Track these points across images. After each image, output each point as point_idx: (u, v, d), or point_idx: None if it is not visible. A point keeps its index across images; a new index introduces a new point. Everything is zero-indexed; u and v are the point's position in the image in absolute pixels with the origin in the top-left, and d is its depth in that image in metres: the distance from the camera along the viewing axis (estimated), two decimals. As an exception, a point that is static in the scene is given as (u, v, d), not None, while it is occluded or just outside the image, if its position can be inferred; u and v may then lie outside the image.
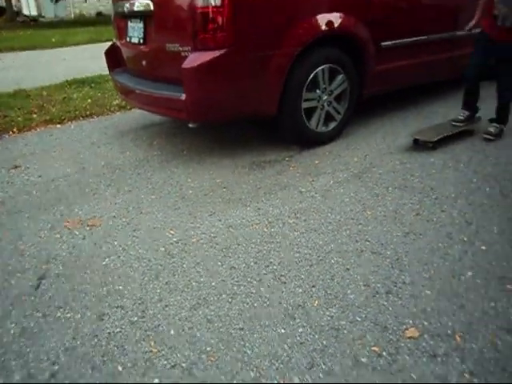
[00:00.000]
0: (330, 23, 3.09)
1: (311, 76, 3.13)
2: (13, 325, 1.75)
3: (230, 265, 2.05)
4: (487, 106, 3.41)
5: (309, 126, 3.26)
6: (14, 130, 4.06)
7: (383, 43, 3.48)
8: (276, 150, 3.33)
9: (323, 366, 1.52)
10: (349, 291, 1.86)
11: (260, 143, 3.46)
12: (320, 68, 3.16)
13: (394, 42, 3.56)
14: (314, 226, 2.34)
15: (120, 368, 1.54)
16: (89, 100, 5.03)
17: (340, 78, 3.30)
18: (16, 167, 3.21)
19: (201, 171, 3.04)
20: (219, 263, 2.07)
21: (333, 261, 2.05)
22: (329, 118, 3.37)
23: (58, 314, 1.80)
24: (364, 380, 1.46)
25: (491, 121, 3.36)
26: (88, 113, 4.58)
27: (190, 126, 3.03)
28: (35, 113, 4.54)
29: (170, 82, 3.06)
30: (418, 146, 3.21)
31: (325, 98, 3.27)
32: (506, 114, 3.30)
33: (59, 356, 1.60)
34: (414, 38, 3.73)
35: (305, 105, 3.18)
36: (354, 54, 3.34)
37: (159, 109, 3.26)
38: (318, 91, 3.22)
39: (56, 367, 1.56)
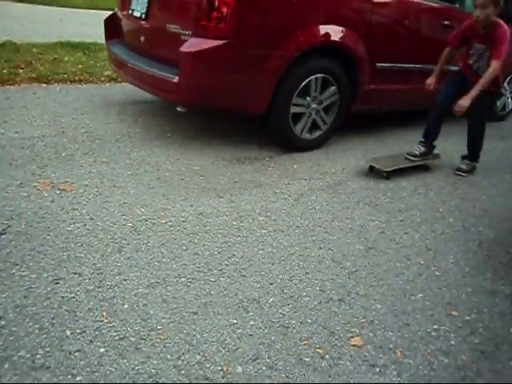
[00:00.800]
0: (330, 35, 3.15)
1: (304, 82, 3.19)
2: (-35, 274, 1.73)
3: (194, 250, 2.08)
4: (457, 141, 3.55)
5: (294, 130, 3.31)
6: (-3, 81, 3.95)
7: (378, 64, 3.57)
8: (258, 148, 3.37)
9: (267, 360, 1.57)
10: (304, 294, 1.91)
11: (244, 139, 3.49)
12: (314, 76, 3.22)
13: (389, 64, 3.66)
14: (281, 227, 2.39)
15: (68, 332, 1.55)
16: (79, 65, 4.94)
17: (332, 89, 3.37)
18: (-7, 119, 3.14)
19: (181, 156, 3.05)
20: (184, 247, 2.09)
21: (294, 263, 2.10)
22: (314, 126, 3.43)
23: (13, 271, 1.78)
24: (303, 378, 1.52)
25: (463, 158, 3.49)
26: (77, 78, 4.50)
27: (178, 109, 3.03)
28: (22, 68, 4.43)
29: (165, 63, 3.06)
30: (374, 172, 3.17)
31: (314, 106, 3.33)
32: (476, 151, 3.43)
33: (7, 312, 1.59)
34: (409, 65, 3.84)
35: (293, 109, 3.24)
36: (349, 69, 3.41)
37: (150, 87, 3.25)
38: (308, 98, 3.28)
39: (2, 322, 1.55)
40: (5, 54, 4.74)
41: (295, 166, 3.16)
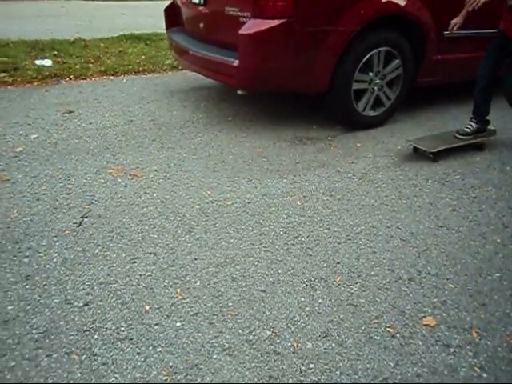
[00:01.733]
0: (392, 4, 3.00)
1: (366, 57, 3.08)
2: (55, 254, 1.89)
3: (260, 231, 2.12)
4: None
5: (356, 107, 3.22)
6: (71, 76, 4.22)
7: (446, 32, 3.35)
8: (320, 128, 3.33)
9: (337, 337, 1.58)
10: (372, 273, 1.89)
11: (305, 119, 3.46)
12: (376, 50, 3.10)
13: (457, 31, 3.42)
14: (347, 206, 2.36)
15: (147, 307, 1.65)
16: (143, 56, 5.13)
17: (396, 62, 3.23)
18: (70, 112, 3.36)
19: (243, 139, 3.09)
20: (250, 228, 2.14)
21: (361, 242, 2.08)
22: (378, 102, 3.32)
23: (96, 251, 1.93)
24: (374, 356, 1.51)
25: None
26: (141, 69, 4.69)
27: (239, 92, 3.06)
28: (92, 63, 4.69)
29: (225, 47, 3.09)
30: (418, 154, 2.92)
31: (377, 81, 3.21)
32: None
33: (94, 288, 1.73)
34: (478, 31, 3.56)
35: (355, 86, 3.14)
36: (414, 40, 3.24)
37: (210, 72, 3.31)
38: (370, 73, 3.16)
39: (90, 297, 1.69)
40: (76, 50, 5.04)
41: (358, 145, 3.08)
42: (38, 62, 4.40)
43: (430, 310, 1.71)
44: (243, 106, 3.69)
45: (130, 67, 4.67)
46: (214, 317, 1.63)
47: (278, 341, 1.55)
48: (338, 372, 1.46)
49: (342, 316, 1.66)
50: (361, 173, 2.70)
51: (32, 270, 1.80)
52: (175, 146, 2.94)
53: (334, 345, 1.55)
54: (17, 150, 2.75)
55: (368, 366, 1.48)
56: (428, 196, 2.49)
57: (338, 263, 1.93)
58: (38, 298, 1.66)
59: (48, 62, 4.44)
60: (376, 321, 1.65)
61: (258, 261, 1.92)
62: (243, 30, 2.80)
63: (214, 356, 1.48)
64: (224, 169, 2.68)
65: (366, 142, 3.14)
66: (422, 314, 1.69)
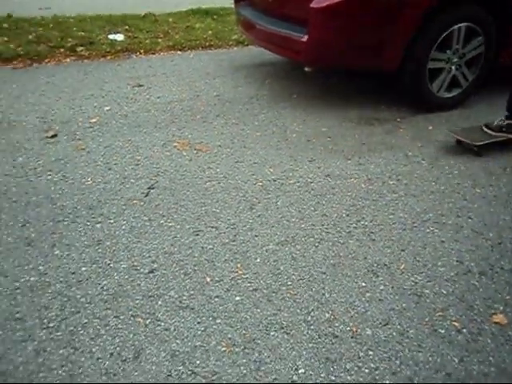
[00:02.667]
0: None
1: (445, 34, 2.87)
2: (124, 222, 1.98)
3: (322, 212, 2.08)
4: None
5: (430, 88, 3.03)
6: (141, 51, 4.34)
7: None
8: (388, 108, 3.18)
9: (398, 326, 1.53)
10: (439, 263, 1.80)
11: (372, 99, 3.32)
12: (456, 26, 2.87)
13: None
14: (414, 191, 2.25)
15: (208, 279, 1.69)
16: (209, 31, 5.14)
17: (478, 40, 2.98)
18: (139, 86, 3.47)
19: (307, 117, 3.03)
20: (312, 208, 2.11)
21: (428, 230, 1.98)
22: (454, 83, 3.10)
23: (161, 222, 1.99)
24: (437, 350, 1.45)
25: None
26: (207, 44, 4.71)
27: (306, 69, 2.99)
28: (161, 37, 4.78)
29: (293, 22, 3.00)
30: (462, 148, 2.64)
31: (455, 60, 2.99)
32: None
33: (158, 257, 1.80)
34: None
35: (431, 65, 2.95)
36: (499, 16, 2.96)
37: (277, 48, 3.25)
38: (448, 52, 2.95)
39: (155, 265, 1.76)
40: (146, 25, 5.15)
41: (430, 128, 2.91)
42: (111, 37, 4.55)
43: (501, 308, 1.60)
44: (308, 83, 3.61)
45: (197, 42, 4.70)
46: (273, 294, 1.64)
47: (336, 324, 1.53)
48: (397, 361, 1.42)
49: (404, 305, 1.61)
50: (431, 157, 2.56)
51: (103, 235, 1.90)
52: (239, 122, 2.94)
53: (394, 333, 1.50)
54: (92, 120, 2.89)
55: (430, 358, 1.43)
56: (505, 186, 2.31)
57: (403, 250, 1.86)
58: (108, 262, 1.76)
59: (120, 37, 4.58)
60: (441, 313, 1.58)
61: (318, 242, 1.90)
62: (314, 3, 2.70)
63: (272, 333, 1.49)
64: (287, 147, 2.65)
65: (438, 125, 2.95)
66: (493, 311, 1.59)
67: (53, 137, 2.66)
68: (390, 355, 1.43)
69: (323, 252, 1.84)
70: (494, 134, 2.62)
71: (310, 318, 1.55)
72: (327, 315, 1.56)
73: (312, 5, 2.71)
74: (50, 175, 2.30)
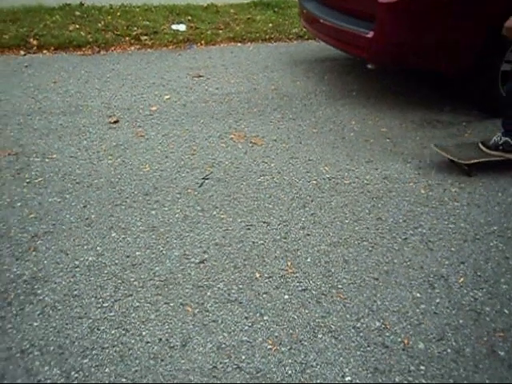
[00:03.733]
0: None
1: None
2: (178, 210, 2.02)
3: (377, 215, 2.01)
4: None
5: (502, 92, 2.84)
6: (202, 42, 4.39)
7: None
8: (453, 111, 3.01)
9: (453, 343, 1.45)
10: (502, 280, 1.69)
11: (436, 100, 3.16)
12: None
13: None
14: (478, 201, 2.12)
15: (257, 275, 1.69)
16: (270, 24, 5.11)
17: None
18: (199, 76, 3.51)
19: (366, 116, 2.94)
20: (367, 211, 2.04)
21: (491, 243, 1.86)
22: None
23: (214, 213, 2.01)
24: (495, 372, 1.36)
25: None
26: (267, 37, 4.68)
27: (369, 66, 2.89)
28: (221, 29, 4.81)
29: (359, 17, 2.91)
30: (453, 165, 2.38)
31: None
32: None
33: (209, 248, 1.81)
34: None
35: (505, 67, 2.76)
36: None
37: (340, 43, 3.17)
38: (525, 53, 2.74)
39: (206, 256, 1.77)
40: (208, 16, 5.20)
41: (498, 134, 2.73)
42: (173, 27, 4.64)
43: None
44: (369, 81, 3.50)
45: (257, 35, 4.69)
46: (322, 296, 1.60)
47: (387, 334, 1.47)
48: (451, 380, 1.34)
49: (461, 321, 1.52)
50: (499, 166, 2.40)
51: (158, 222, 1.94)
52: (296, 118, 2.91)
53: (449, 350, 1.43)
54: (152, 108, 2.96)
55: (487, 381, 1.34)
56: None
57: (463, 263, 1.76)
58: (161, 249, 1.80)
59: (182, 27, 4.66)
60: (502, 334, 1.48)
61: (372, 246, 1.84)
62: (383, -1, 2.60)
63: (319, 336, 1.46)
64: (344, 146, 2.58)
65: (509, 131, 2.76)
66: (561, 337, 1.47)
67: (115, 122, 2.76)
68: (444, 373, 1.36)
69: (377, 257, 1.78)
70: (490, 152, 2.32)
71: (359, 325, 1.50)
72: (378, 323, 1.51)
73: (380, 0, 2.60)
74: (110, 159, 2.38)
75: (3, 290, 1.59)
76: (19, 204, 2.02)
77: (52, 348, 1.40)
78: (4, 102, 2.95)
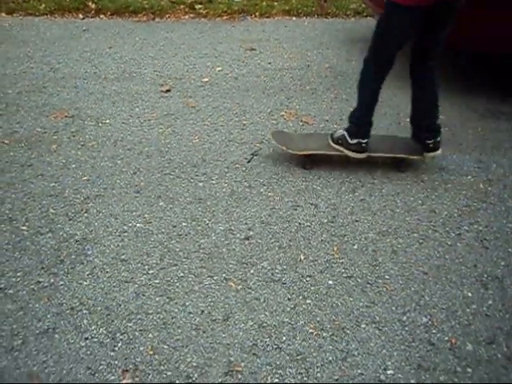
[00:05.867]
0: None
1: None
2: (225, 185, 2.01)
3: (430, 207, 1.93)
4: None
5: None
6: (256, 14, 4.28)
7: None
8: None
9: (504, 349, 1.38)
10: None
11: (500, 89, 2.95)
12: None
13: None
14: (542, 201, 1.99)
15: (302, 257, 1.66)
16: (327, -2, 4.92)
17: None
18: (252, 49, 3.44)
19: (424, 101, 2.79)
20: (420, 201, 1.96)
21: (554, 248, 1.74)
22: None
23: (261, 190, 1.99)
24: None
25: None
26: (324, 12, 4.51)
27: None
28: (276, 1, 4.67)
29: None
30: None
31: None
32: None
33: (255, 225, 1.80)
34: None
35: None
36: None
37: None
38: None
39: (251, 233, 1.76)
40: (264, -14, 5.06)
41: None
42: (229, -3, 4.55)
43: None
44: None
45: (314, 9, 4.52)
46: (368, 285, 1.56)
47: (434, 331, 1.42)
48: (499, 386, 1.28)
49: (515, 326, 1.44)
50: None
51: (204, 195, 1.94)
52: (350, 98, 2.80)
53: (499, 355, 1.36)
54: (203, 80, 2.94)
55: (539, 392, 1.27)
56: None
57: (520, 266, 1.66)
58: (207, 222, 1.80)
59: (238, -3, 4.56)
60: (559, 344, 1.39)
61: (423, 239, 1.76)
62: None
63: (363, 325, 1.43)
64: (399, 131, 2.47)
65: None
66: None
67: (167, 91, 2.76)
68: (492, 377, 1.30)
69: (427, 250, 1.71)
70: (331, 144, 2.10)
71: (405, 319, 1.45)
72: (424, 319, 1.46)
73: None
74: (161, 128, 2.39)
75: (57, 247, 1.64)
76: (73, 166, 2.07)
77: (99, 308, 1.44)
78: (63, 65, 3.01)
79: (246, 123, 2.47)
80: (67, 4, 3.95)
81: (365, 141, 2.02)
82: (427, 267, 1.64)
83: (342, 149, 2.06)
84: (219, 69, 3.09)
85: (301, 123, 2.51)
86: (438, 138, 2.06)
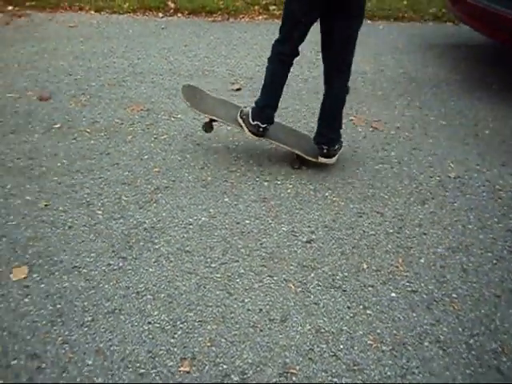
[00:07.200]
0: None
1: None
2: (290, 186, 2.00)
3: (507, 226, 1.81)
4: None
5: None
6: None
7: None
8: None
9: None
10: None
11: None
12: None
13: None
14: None
15: (365, 265, 1.62)
16: (405, 1, 4.75)
17: None
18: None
19: (506, 113, 2.62)
20: (495, 219, 1.84)
21: None
22: None
23: (326, 194, 1.96)
24: None
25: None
26: (400, 15, 4.37)
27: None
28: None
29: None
30: None
31: None
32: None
33: (318, 228, 1.78)
34: None
35: None
36: None
37: (488, 28, 2.84)
38: None
39: (313, 236, 1.74)
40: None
41: None
42: None
43: None
44: (515, 74, 3.10)
45: (390, 12, 4.40)
46: (434, 302, 1.49)
47: (504, 359, 1.33)
48: None
49: None
50: None
51: (269, 194, 1.95)
52: (423, 106, 2.70)
53: None
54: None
55: None
56: None
57: None
58: (270, 222, 1.81)
59: None
60: None
61: (497, 259, 1.65)
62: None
63: (426, 343, 1.36)
64: (476, 143, 2.34)
65: None
66: None
67: (237, 90, 2.81)
68: None
69: (501, 272, 1.60)
70: (238, 118, 2.08)
71: (472, 342, 1.37)
72: (494, 345, 1.37)
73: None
74: (229, 126, 2.43)
75: (127, 233, 1.73)
76: (146, 157, 2.17)
77: (162, 295, 1.49)
78: (141, 61, 3.16)
79: (314, 126, 2.43)
80: (149, 3, 4.14)
81: (264, 125, 2.02)
82: (500, 290, 1.54)
83: (243, 125, 2.06)
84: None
85: (371, 129, 2.45)
86: (335, 147, 2.03)
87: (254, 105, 2.07)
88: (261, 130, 2.02)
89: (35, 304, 1.45)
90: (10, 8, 4.04)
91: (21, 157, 2.13)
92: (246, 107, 2.14)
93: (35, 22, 3.76)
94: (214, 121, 2.14)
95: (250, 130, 2.04)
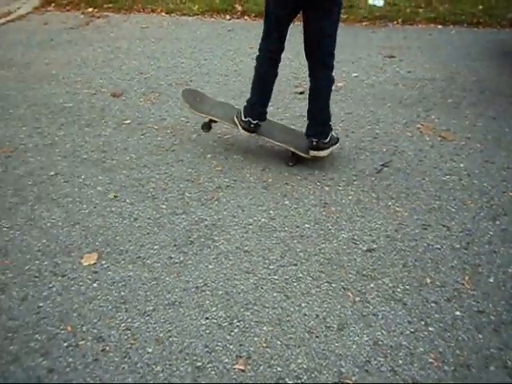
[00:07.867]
0: None
1: None
2: (352, 193, 1.97)
3: None
4: None
5: None
6: (399, 20, 4.12)
7: None
8: None
9: None
10: None
11: None
12: None
13: None
14: None
15: (428, 280, 1.56)
16: (480, 6, 4.51)
17: None
18: (391, 57, 3.32)
19: None
20: None
21: None
22: None
23: (389, 204, 1.91)
24: None
25: None
26: (474, 20, 4.16)
27: None
28: (422, 7, 4.43)
29: None
30: None
31: None
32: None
33: (379, 238, 1.73)
34: None
35: None
36: None
37: None
38: None
39: (374, 245, 1.70)
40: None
41: None
42: (370, 2, 4.44)
43: None
44: None
45: (463, 17, 4.20)
46: (502, 326, 1.41)
47: None
48: None
49: None
50: None
51: (330, 200, 1.93)
52: (497, 117, 2.55)
53: None
54: (338, 84, 2.89)
55: None
56: None
57: None
58: (330, 227, 1.79)
59: (380, 3, 4.43)
60: None
61: None
62: None
63: (492, 368, 1.29)
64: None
65: None
66: None
67: (300, 93, 2.80)
68: None
69: None
70: (234, 118, 2.15)
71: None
72: None
73: None
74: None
75: (188, 229, 1.78)
76: (209, 156, 2.22)
77: (220, 292, 1.52)
78: (208, 62, 3.24)
79: (379, 132, 2.40)
80: (217, 6, 4.24)
81: (255, 122, 2.07)
82: None
83: (237, 122, 2.13)
84: (355, 74, 3.05)
85: (439, 138, 2.35)
86: (326, 141, 2.03)
87: (245, 103, 2.13)
88: (252, 125, 2.09)
89: (102, 290, 1.53)
90: (90, 10, 4.30)
91: (94, 149, 2.25)
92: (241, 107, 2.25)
93: (111, 23, 3.98)
94: (213, 121, 2.23)
95: (242, 127, 2.11)
